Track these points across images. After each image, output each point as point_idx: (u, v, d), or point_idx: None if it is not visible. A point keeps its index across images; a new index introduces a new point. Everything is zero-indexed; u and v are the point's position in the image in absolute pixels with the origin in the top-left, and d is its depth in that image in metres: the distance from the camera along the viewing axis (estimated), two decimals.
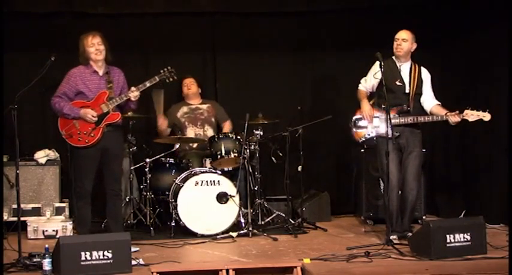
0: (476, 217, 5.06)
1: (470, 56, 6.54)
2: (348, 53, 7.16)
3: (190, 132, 6.71)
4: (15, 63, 6.40)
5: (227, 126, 6.85)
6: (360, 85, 5.85)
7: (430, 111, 5.62)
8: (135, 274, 4.44)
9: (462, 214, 6.38)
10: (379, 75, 5.45)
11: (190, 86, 6.85)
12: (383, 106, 5.46)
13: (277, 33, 7.23)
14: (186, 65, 7.07)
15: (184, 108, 6.83)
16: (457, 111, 5.44)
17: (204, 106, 6.89)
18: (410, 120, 5.51)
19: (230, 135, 6.28)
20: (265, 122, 6.46)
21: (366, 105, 5.69)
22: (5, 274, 4.42)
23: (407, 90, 5.58)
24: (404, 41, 5.59)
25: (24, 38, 6.64)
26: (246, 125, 5.96)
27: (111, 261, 4.39)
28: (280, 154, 6.49)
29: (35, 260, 4.55)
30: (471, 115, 5.40)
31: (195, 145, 6.72)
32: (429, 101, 5.67)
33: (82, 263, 4.33)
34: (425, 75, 5.71)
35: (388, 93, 5.43)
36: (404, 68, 5.65)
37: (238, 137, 6.20)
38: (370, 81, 5.72)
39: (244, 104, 6.92)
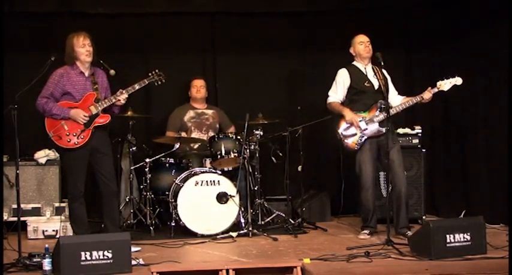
0: (476, 217, 5.06)
1: (470, 56, 6.54)
2: (348, 53, 7.14)
3: (195, 137, 6.71)
4: (15, 63, 6.38)
5: (232, 131, 6.83)
6: (329, 98, 5.94)
7: (399, 104, 5.78)
8: (135, 274, 4.44)
9: (462, 214, 6.38)
10: (348, 81, 5.74)
11: (200, 89, 6.81)
12: (382, 105, 5.60)
13: (277, 33, 7.23)
14: (186, 65, 7.08)
15: (191, 113, 6.81)
16: (429, 88, 5.59)
17: (210, 112, 6.88)
18: (393, 111, 5.61)
19: (230, 135, 6.28)
20: (265, 122, 6.45)
21: (349, 112, 5.76)
22: (5, 274, 4.42)
23: (376, 87, 5.72)
24: (369, 43, 5.82)
25: (24, 38, 6.64)
26: (246, 125, 5.95)
27: (111, 261, 4.38)
28: (280, 154, 6.48)
29: (35, 260, 4.54)
30: (444, 84, 5.56)
31: (195, 146, 6.72)
32: (395, 97, 5.86)
33: (82, 263, 4.32)
34: (387, 74, 5.89)
35: (360, 95, 5.71)
36: (369, 69, 5.82)
37: (238, 137, 6.19)
38: (340, 89, 5.85)
39: (244, 104, 6.91)
